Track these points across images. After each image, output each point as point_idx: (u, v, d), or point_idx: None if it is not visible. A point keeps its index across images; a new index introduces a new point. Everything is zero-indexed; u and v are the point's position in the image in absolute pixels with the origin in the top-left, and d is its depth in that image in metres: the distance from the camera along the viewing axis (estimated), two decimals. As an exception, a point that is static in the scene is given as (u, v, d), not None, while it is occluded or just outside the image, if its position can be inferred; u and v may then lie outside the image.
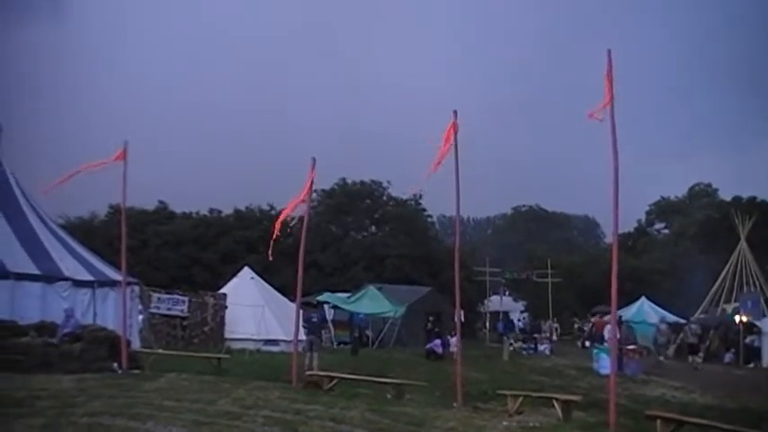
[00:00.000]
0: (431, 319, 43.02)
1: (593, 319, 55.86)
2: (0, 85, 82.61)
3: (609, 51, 13.77)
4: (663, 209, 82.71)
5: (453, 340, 35.18)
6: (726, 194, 70.19)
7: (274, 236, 19.79)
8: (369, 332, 43.35)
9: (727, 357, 40.99)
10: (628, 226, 75.70)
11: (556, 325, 58.68)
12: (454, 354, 33.43)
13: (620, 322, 34.61)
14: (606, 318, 46.34)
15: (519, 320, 63.40)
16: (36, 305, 23.33)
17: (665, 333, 43.73)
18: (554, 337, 53.88)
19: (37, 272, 24.40)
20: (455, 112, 17.21)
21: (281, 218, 20.91)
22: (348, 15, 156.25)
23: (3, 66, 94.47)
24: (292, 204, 20.63)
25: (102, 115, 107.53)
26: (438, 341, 35.69)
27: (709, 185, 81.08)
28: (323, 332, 36.96)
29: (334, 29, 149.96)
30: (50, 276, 24.70)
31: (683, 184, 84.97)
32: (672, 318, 47.20)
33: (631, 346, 32.86)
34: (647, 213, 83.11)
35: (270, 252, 21.04)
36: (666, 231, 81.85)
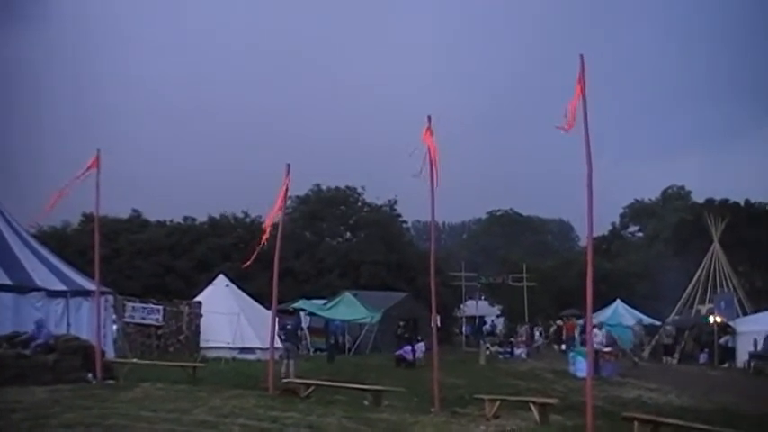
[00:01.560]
0: (401, 324, 42.95)
1: (558, 322, 56.30)
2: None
3: (581, 56, 13.81)
4: (637, 212, 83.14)
5: (420, 345, 35.28)
6: (699, 197, 70.73)
7: (262, 242, 19.72)
8: (345, 338, 43.31)
9: (702, 358, 41.26)
10: (602, 229, 76.11)
11: (540, 328, 58.75)
12: (420, 360, 33.58)
13: (597, 325, 34.87)
14: (579, 321, 46.63)
15: (487, 324, 63.56)
16: (8, 316, 23.14)
17: (640, 335, 44.07)
18: (539, 341, 54.06)
19: (9, 282, 24.19)
20: (429, 117, 17.21)
21: (268, 226, 20.79)
22: (322, 21, 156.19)
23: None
24: (272, 213, 20.58)
25: (75, 122, 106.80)
26: (408, 347, 34.87)
27: (683, 188, 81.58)
28: (299, 339, 36.88)
29: (307, 35, 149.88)
30: (23, 287, 24.50)
31: (657, 186, 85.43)
32: (647, 320, 47.55)
33: (607, 349, 33.03)
34: (622, 216, 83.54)
35: (249, 260, 20.91)
36: (641, 234, 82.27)
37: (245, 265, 22.18)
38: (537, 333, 56.15)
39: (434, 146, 16.88)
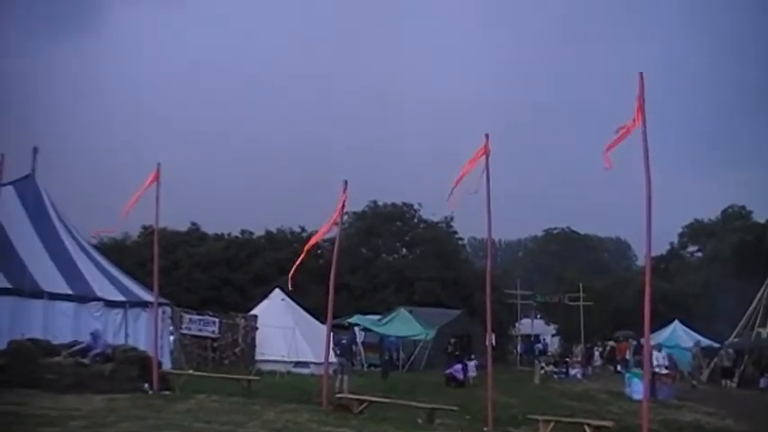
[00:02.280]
0: (451, 341, 42.73)
1: (611, 343, 55.60)
2: (35, 106, 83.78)
3: (641, 75, 13.70)
4: (696, 231, 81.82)
5: (472, 365, 34.60)
6: (760, 216, 69.55)
7: (300, 260, 19.78)
8: (399, 355, 43.26)
9: (762, 382, 40.41)
10: (660, 248, 74.98)
11: (599, 349, 57.62)
12: (473, 379, 33.16)
13: (657, 347, 34.33)
14: (635, 342, 45.98)
15: (540, 343, 62.96)
16: (68, 325, 23.47)
17: (698, 357, 43.29)
18: (598, 362, 53.21)
19: (70, 292, 24.55)
20: (487, 136, 17.18)
21: (312, 243, 20.90)
22: (379, 34, 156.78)
23: (36, 87, 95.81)
24: (324, 229, 20.68)
25: (136, 136, 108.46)
26: (458, 366, 33.74)
27: (743, 207, 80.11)
28: (353, 355, 36.90)
29: (364, 48, 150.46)
30: (83, 296, 24.84)
31: (717, 205, 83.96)
32: (705, 341, 46.70)
33: (664, 371, 32.52)
34: (680, 236, 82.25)
35: (291, 277, 20.92)
36: (700, 254, 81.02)
37: (290, 283, 22.19)
38: (596, 353, 55.16)
39: (474, 163, 16.87)
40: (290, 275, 20.77)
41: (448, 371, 33.62)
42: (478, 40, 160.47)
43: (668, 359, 34.81)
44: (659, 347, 35.29)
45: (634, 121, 13.38)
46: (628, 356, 45.80)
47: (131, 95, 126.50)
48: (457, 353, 39.65)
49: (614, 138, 13.39)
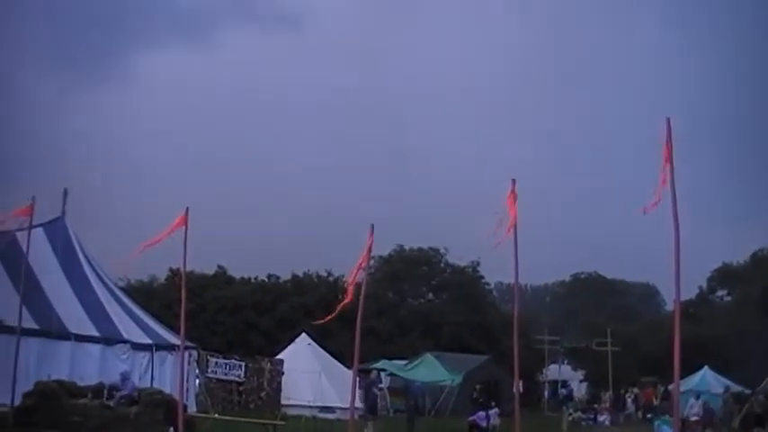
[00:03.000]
0: (477, 387, 42.33)
1: (635, 390, 54.97)
2: (66, 150, 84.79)
3: (668, 120, 13.65)
4: (725, 275, 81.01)
5: (493, 412, 33.56)
6: (790, 260, 68.86)
7: (344, 302, 19.69)
8: (425, 400, 42.96)
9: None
10: (689, 293, 74.06)
11: (631, 395, 56.06)
12: (496, 427, 32.60)
13: (695, 394, 33.96)
14: (661, 387, 45.48)
15: (564, 389, 62.31)
16: (95, 366, 23.58)
17: (730, 403, 42.67)
18: (631, 409, 52.12)
19: (97, 334, 24.69)
20: (513, 181, 17.16)
21: (351, 285, 20.84)
22: (399, 77, 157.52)
23: (68, 130, 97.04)
24: (355, 272, 20.62)
25: (164, 179, 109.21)
26: (482, 413, 32.77)
27: (774, 251, 79.48)
28: (379, 400, 36.70)
29: (387, 91, 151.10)
30: (110, 338, 24.97)
31: (746, 249, 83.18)
32: (736, 388, 46.03)
33: (694, 417, 32.10)
34: (709, 280, 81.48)
35: (328, 318, 20.84)
36: (729, 298, 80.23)
37: (324, 321, 22.13)
38: (629, 400, 53.95)
39: (513, 210, 16.81)
40: (326, 318, 20.67)
41: (471, 418, 32.98)
42: (504, 86, 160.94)
43: (704, 407, 34.39)
44: (697, 395, 34.85)
45: (664, 171, 13.28)
46: (655, 402, 45.31)
47: (160, 140, 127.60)
48: (481, 400, 39.14)
49: (652, 200, 13.30)
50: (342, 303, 19.73)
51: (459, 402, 42.37)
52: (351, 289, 20.85)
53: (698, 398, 34.08)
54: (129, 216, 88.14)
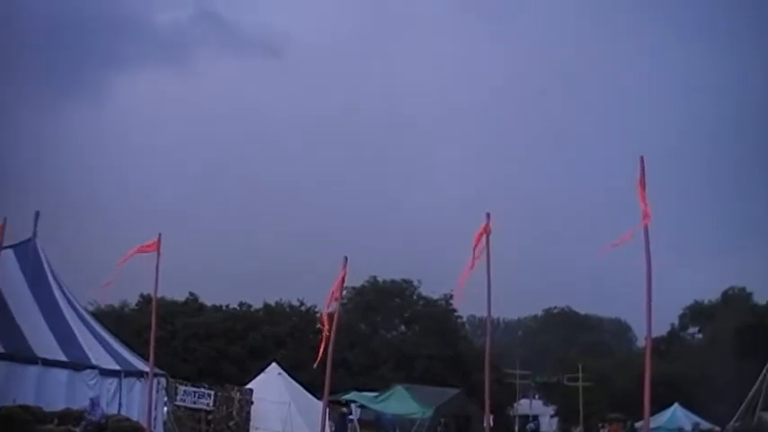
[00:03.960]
0: (442, 421, 42.08)
1: (601, 426, 55.07)
2: (38, 171, 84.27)
3: (642, 158, 13.73)
4: (696, 313, 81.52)
5: None
6: (760, 298, 69.42)
7: (323, 338, 19.57)
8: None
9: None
10: (661, 330, 74.43)
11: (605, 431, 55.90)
12: None
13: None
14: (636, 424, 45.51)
15: (531, 422, 62.23)
16: (62, 392, 23.24)
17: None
18: None
19: (65, 359, 24.37)
20: (488, 215, 17.19)
21: (325, 319, 20.75)
22: (373, 108, 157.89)
23: (41, 151, 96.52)
24: (328, 303, 20.54)
25: (137, 204, 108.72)
26: None
27: (744, 289, 80.00)
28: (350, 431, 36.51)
29: (363, 124, 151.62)
30: (78, 364, 24.65)
31: (717, 287, 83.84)
32: (706, 425, 46.22)
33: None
34: (681, 317, 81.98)
35: (318, 359, 20.57)
36: (700, 336, 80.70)
37: (318, 361, 21.98)
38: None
39: (479, 246, 16.84)
40: (318, 358, 20.45)
41: None
42: (480, 116, 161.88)
43: None
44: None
45: (643, 212, 13.34)
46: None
47: (133, 164, 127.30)
48: None
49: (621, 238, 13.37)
50: (325, 339, 19.63)
51: (430, 435, 42.26)
52: (325, 320, 20.80)
53: None
54: (100, 239, 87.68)
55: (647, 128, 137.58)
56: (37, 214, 27.19)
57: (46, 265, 26.83)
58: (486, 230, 17.09)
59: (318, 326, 20.65)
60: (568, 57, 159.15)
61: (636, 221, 13.34)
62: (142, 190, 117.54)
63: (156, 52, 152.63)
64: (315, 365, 20.93)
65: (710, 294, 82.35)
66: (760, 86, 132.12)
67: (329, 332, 19.51)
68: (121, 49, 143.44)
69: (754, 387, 47.40)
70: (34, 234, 26.99)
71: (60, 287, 26.91)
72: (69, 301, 26.97)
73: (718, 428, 45.78)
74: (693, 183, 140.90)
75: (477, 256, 17.00)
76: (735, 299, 78.32)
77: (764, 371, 47.70)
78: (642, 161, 13.78)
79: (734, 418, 47.20)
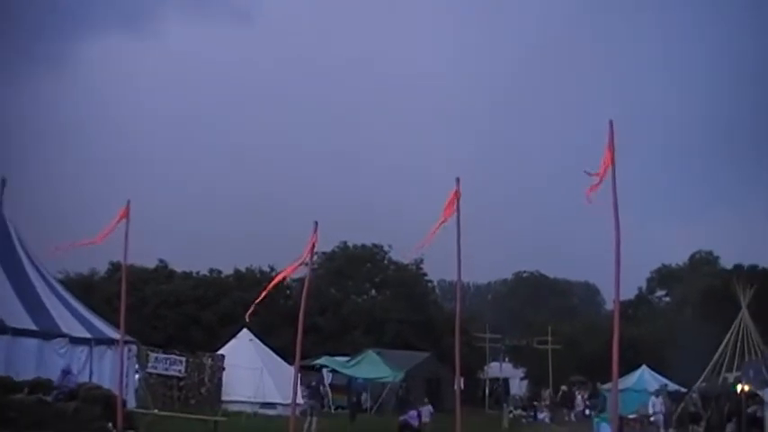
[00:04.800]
0: (403, 386, 42.18)
1: (563, 388, 55.74)
2: (4, 138, 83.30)
3: (611, 122, 13.79)
4: (664, 276, 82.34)
5: (426, 410, 31.79)
6: (727, 262, 70.20)
7: (261, 298, 19.60)
8: (368, 396, 43.05)
9: (730, 427, 40.49)
10: (628, 293, 75.21)
11: (584, 393, 55.44)
12: (426, 425, 31.61)
13: (655, 393, 34.53)
14: (604, 386, 46.14)
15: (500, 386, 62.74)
16: (32, 361, 23.16)
17: (667, 402, 43.43)
18: (580, 407, 51.59)
19: (34, 327, 24.26)
20: (458, 180, 17.23)
21: (276, 281, 20.74)
22: (347, 75, 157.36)
23: (7, 119, 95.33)
24: (290, 268, 20.54)
25: (105, 170, 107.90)
26: (414, 413, 29.99)
27: (711, 253, 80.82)
28: (321, 396, 36.65)
29: (333, 91, 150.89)
30: (48, 332, 24.55)
31: (685, 250, 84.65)
32: (673, 386, 46.83)
33: (632, 416, 32.57)
34: (649, 281, 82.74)
35: (250, 315, 20.68)
36: (668, 299, 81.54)
37: (249, 313, 22.09)
38: (579, 397, 53.10)
39: (450, 210, 16.89)
40: (249, 312, 20.61)
41: (402, 418, 30.13)
42: (451, 79, 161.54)
43: (665, 405, 34.93)
44: (657, 393, 35.38)
45: (603, 169, 13.45)
46: (585, 402, 46.45)
47: (101, 131, 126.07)
48: (410, 398, 38.72)
49: (592, 184, 13.44)
50: (265, 290, 19.64)
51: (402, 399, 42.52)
52: (280, 279, 20.80)
53: (658, 395, 34.62)
54: (68, 207, 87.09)
55: (618, 93, 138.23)
56: (3, 182, 26.92)
57: (13, 234, 26.64)
58: (456, 195, 17.15)
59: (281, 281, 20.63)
60: (543, 21, 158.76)
61: (606, 186, 13.44)
62: (109, 156, 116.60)
63: (120, 19, 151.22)
64: (246, 316, 20.91)
65: (678, 258, 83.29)
66: (734, 53, 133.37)
67: (266, 296, 19.56)
68: (85, 15, 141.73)
69: (720, 349, 48.04)
70: (0, 202, 26.75)
71: (29, 256, 26.72)
72: (38, 270, 26.81)
73: (684, 390, 46.37)
74: (663, 148, 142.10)
75: (446, 218, 17.08)
76: (702, 262, 79.19)
77: (729, 333, 48.37)
78: (611, 125, 13.85)
79: (700, 380, 47.88)
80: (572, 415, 48.96)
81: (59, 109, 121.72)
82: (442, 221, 16.98)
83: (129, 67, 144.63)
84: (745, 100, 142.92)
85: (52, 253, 23.00)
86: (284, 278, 20.50)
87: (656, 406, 32.91)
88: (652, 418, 33.52)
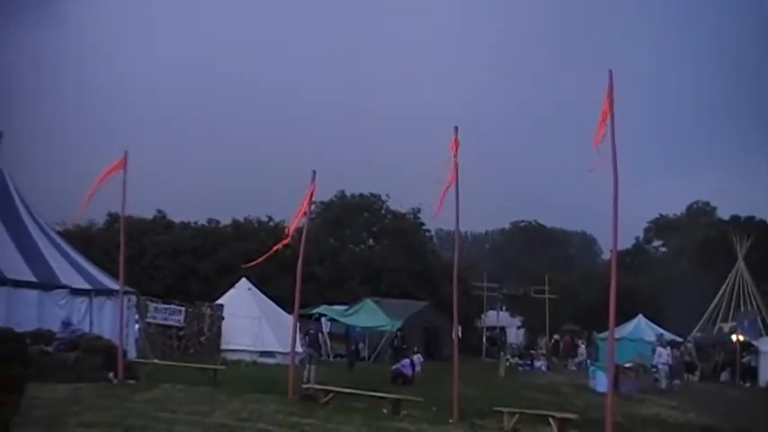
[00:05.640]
0: (397, 334, 42.30)
1: (556, 337, 56.22)
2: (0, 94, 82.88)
3: (610, 72, 13.78)
4: (661, 226, 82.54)
5: (417, 358, 31.89)
6: (724, 213, 70.41)
7: (279, 246, 19.74)
8: (366, 345, 43.31)
9: (723, 376, 40.92)
10: (626, 243, 75.54)
11: (584, 342, 55.16)
12: (418, 374, 30.52)
13: (663, 343, 34.74)
14: (600, 335, 46.39)
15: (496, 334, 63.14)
16: (32, 313, 23.25)
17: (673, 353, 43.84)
18: (583, 357, 51.24)
19: (34, 279, 24.33)
20: (456, 128, 17.22)
21: (291, 231, 20.87)
22: (347, 25, 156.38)
23: (1, 70, 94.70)
24: (296, 218, 20.64)
25: (101, 122, 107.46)
26: (407, 361, 30.53)
27: (708, 204, 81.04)
28: (320, 345, 36.85)
29: (332, 40, 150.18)
30: (47, 284, 24.63)
31: (682, 201, 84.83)
32: (669, 336, 47.18)
33: (628, 365, 32.81)
34: (646, 231, 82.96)
35: (251, 266, 20.86)
36: (664, 249, 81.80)
37: (255, 263, 22.27)
38: (582, 347, 52.47)
39: (456, 157, 16.91)
40: (253, 263, 20.77)
41: (395, 367, 30.71)
42: (450, 29, 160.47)
43: (672, 356, 35.19)
44: (663, 343, 35.60)
45: (602, 117, 13.47)
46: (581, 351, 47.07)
47: (96, 83, 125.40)
48: (404, 346, 38.83)
49: (597, 129, 13.47)
50: (276, 246, 19.76)
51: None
52: (291, 233, 20.90)
53: (665, 346, 34.83)
54: (66, 159, 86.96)
55: (617, 43, 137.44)
56: (0, 135, 26.82)
57: (12, 187, 26.61)
58: (455, 143, 17.17)
59: (285, 233, 20.78)
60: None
61: (605, 136, 13.44)
62: (106, 108, 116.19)
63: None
64: (245, 265, 21.12)
65: (675, 209, 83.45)
66: (741, 9, 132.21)
67: (286, 243, 19.67)
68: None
69: (716, 299, 48.43)
70: (-3, 155, 26.69)
71: (27, 208, 26.73)
72: (37, 222, 26.84)
73: (680, 339, 46.76)
74: (663, 101, 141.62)
75: (452, 180, 17.11)
76: (699, 213, 79.39)
77: (725, 284, 48.68)
78: (611, 75, 13.84)
79: (695, 329, 48.26)
80: (573, 364, 49.25)
81: (54, 61, 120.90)
82: (448, 186, 17.01)
83: (124, 15, 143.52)
84: (744, 56, 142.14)
85: (68, 223, 23.09)
86: (292, 231, 20.56)
87: (662, 356, 33.11)
88: (655, 369, 33.69)
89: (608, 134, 13.42)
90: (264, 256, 20.65)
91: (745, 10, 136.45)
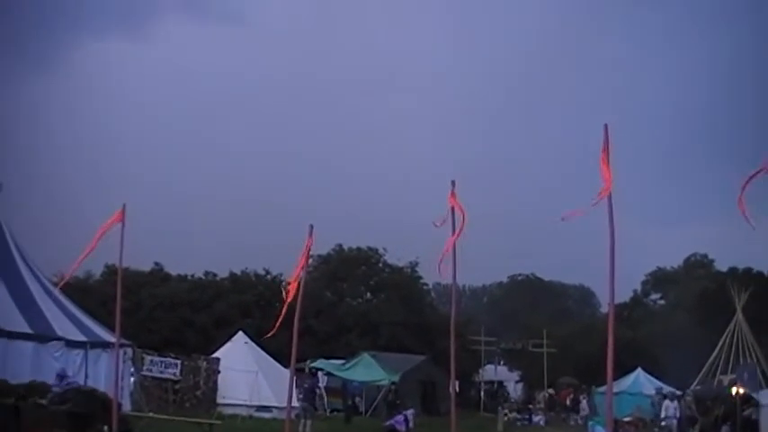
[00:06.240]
0: (392, 388, 42.01)
1: (551, 391, 55.88)
2: (0, 144, 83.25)
3: (606, 126, 13.81)
4: (659, 279, 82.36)
5: (410, 413, 31.16)
6: (722, 265, 70.32)
7: (285, 304, 19.68)
8: (363, 399, 43.05)
9: (725, 430, 40.54)
10: (624, 296, 75.23)
11: (587, 397, 54.07)
12: (412, 430, 29.87)
13: (670, 396, 34.53)
14: (598, 389, 46.16)
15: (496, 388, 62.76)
16: (27, 364, 23.16)
17: (660, 405, 43.56)
18: (586, 411, 50.22)
19: (30, 331, 24.26)
20: (453, 182, 17.25)
21: (293, 288, 20.85)
22: (345, 77, 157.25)
23: (2, 124, 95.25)
24: (296, 274, 20.61)
25: (100, 174, 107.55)
26: (400, 417, 29.69)
27: (706, 256, 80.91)
28: (316, 399, 36.64)
29: (327, 91, 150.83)
30: (43, 336, 24.56)
31: (680, 253, 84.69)
32: (668, 389, 46.93)
33: (627, 418, 32.61)
34: (643, 283, 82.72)
35: (274, 329, 20.74)
36: (662, 302, 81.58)
37: (270, 333, 22.17)
38: (584, 402, 50.49)
39: (460, 209, 16.93)
40: (277, 324, 20.63)
41: (389, 422, 30.11)
42: (445, 83, 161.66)
43: (679, 409, 34.96)
44: (672, 397, 35.40)
45: (607, 173, 13.46)
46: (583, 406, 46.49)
47: (96, 134, 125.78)
48: (398, 401, 38.38)
49: (602, 190, 13.46)
50: (284, 305, 19.72)
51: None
52: (292, 290, 20.85)
53: (673, 399, 34.65)
54: (64, 210, 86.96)
55: (613, 97, 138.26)
56: (-1, 186, 26.93)
57: (9, 237, 26.65)
58: (453, 197, 17.19)
59: (285, 289, 20.72)
60: (539, 28, 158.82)
61: (599, 187, 13.47)
62: (105, 159, 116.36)
63: (114, 21, 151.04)
64: (271, 333, 21.04)
65: (673, 261, 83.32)
66: (733, 56, 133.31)
67: (293, 299, 19.60)
68: (80, 17, 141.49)
69: (715, 351, 48.22)
70: (-4, 206, 26.76)
71: (24, 259, 26.74)
72: (33, 273, 26.83)
73: (679, 392, 46.47)
74: (658, 152, 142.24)
75: (456, 237, 17.11)
76: (697, 265, 79.30)
77: (724, 336, 48.52)
78: (606, 129, 13.87)
79: (695, 382, 47.96)
80: (578, 418, 48.72)
81: (54, 111, 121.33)
82: (456, 236, 17.01)
83: (123, 68, 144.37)
84: (742, 103, 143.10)
85: (61, 285, 23.24)
86: (293, 288, 20.53)
87: (668, 410, 32.92)
88: (663, 422, 33.47)
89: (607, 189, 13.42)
90: (280, 319, 20.54)
91: (744, 57, 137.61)
